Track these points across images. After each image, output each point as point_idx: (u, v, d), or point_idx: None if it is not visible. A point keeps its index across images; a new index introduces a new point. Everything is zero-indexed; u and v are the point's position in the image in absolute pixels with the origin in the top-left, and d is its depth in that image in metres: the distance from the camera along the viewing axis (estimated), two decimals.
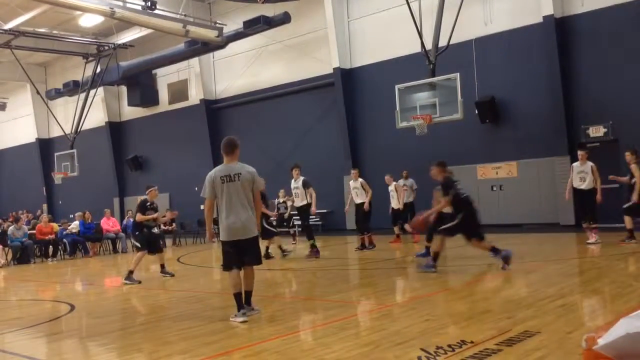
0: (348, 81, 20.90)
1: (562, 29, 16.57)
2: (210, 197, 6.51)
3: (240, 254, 6.46)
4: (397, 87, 15.12)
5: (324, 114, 21.84)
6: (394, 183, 15.17)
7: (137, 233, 10.87)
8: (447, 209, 9.33)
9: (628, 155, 11.75)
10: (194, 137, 25.70)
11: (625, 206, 11.78)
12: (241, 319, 6.34)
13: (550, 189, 16.69)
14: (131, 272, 10.35)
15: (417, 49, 15.94)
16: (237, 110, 24.59)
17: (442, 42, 15.25)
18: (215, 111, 25.36)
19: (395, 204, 15.08)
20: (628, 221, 11.73)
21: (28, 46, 23.97)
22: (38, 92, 25.45)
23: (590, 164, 12.04)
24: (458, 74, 14.29)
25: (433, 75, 14.95)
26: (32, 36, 23.08)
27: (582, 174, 12.02)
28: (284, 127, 22.89)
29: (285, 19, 20.43)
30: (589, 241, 11.98)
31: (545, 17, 16.61)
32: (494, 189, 17.79)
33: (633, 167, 11.51)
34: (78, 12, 22.33)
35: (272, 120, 23.22)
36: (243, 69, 24.20)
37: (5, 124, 34.69)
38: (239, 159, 6.64)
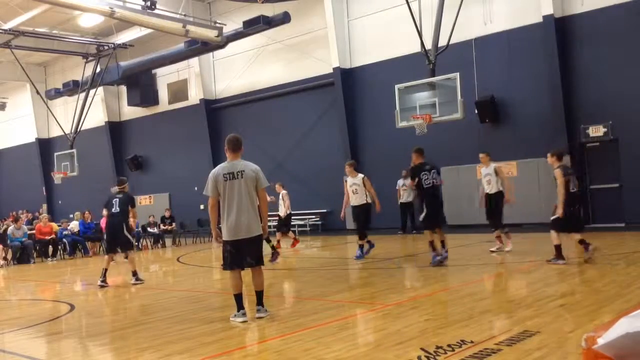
0: (348, 81, 20.88)
1: (562, 29, 16.56)
2: (213, 195, 6.44)
3: (242, 254, 6.41)
4: (397, 86, 15.11)
5: (324, 114, 21.82)
6: (283, 191, 15.12)
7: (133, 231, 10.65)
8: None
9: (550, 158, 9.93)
10: (193, 137, 25.69)
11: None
12: (241, 319, 6.33)
13: (550, 189, 16.52)
14: (135, 272, 10.37)
15: (417, 48, 15.92)
16: (237, 110, 24.57)
17: (442, 42, 15.23)
18: (215, 111, 25.35)
19: (282, 211, 15.10)
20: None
21: (28, 46, 23.94)
22: (38, 92, 25.40)
23: (493, 165, 11.45)
24: (458, 74, 14.27)
25: (433, 75, 14.93)
26: (32, 36, 23.05)
27: (488, 177, 11.44)
28: (284, 127, 22.88)
29: (285, 18, 20.41)
30: (507, 248, 11.30)
31: (545, 17, 16.59)
32: None
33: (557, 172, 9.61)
34: (78, 12, 22.31)
35: (272, 120, 23.21)
36: (243, 69, 24.19)
37: (5, 124, 34.65)
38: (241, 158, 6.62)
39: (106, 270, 10.21)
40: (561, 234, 9.37)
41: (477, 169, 18.04)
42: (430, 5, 15.69)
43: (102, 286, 10.00)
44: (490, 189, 11.41)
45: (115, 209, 10.37)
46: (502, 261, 10.50)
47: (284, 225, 15.37)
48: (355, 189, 12.00)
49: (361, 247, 12.12)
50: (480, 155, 11.83)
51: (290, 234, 15.69)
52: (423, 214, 10.31)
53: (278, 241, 15.38)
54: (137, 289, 9.79)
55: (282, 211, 15.08)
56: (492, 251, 11.44)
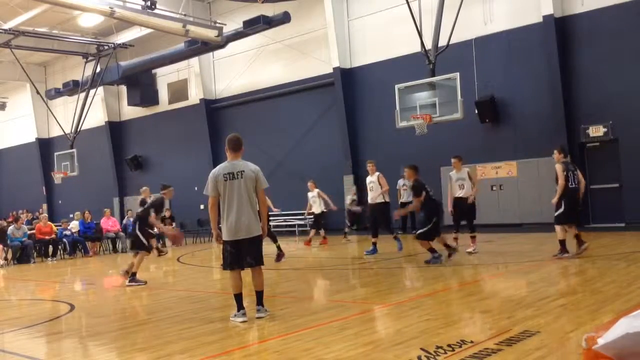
0: (348, 81, 20.88)
1: (562, 29, 16.57)
2: (213, 195, 6.45)
3: (242, 254, 6.41)
4: (397, 86, 15.11)
5: (324, 114, 21.82)
6: (317, 190, 15.51)
7: (146, 229, 10.25)
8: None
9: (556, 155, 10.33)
10: (193, 137, 25.69)
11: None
12: (241, 319, 6.33)
13: (550, 189, 16.52)
14: (134, 273, 10.19)
15: (417, 48, 15.91)
16: (237, 110, 24.57)
17: (442, 42, 15.23)
18: (215, 111, 25.35)
19: (316, 209, 15.51)
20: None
21: (28, 46, 23.94)
22: (38, 92, 25.40)
23: (466, 169, 11.61)
24: (458, 74, 14.27)
25: (433, 75, 14.93)
26: (32, 36, 23.04)
27: (460, 182, 11.52)
28: (284, 127, 22.88)
29: (285, 18, 20.42)
30: (470, 250, 11.39)
31: (545, 17, 16.59)
32: (494, 188, 17.78)
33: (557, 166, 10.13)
34: (78, 12, 22.31)
35: (272, 120, 23.21)
36: (243, 69, 24.19)
37: (5, 123, 34.67)
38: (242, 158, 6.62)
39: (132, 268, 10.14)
40: (565, 231, 9.88)
41: (478, 169, 18.08)
42: (430, 5, 15.69)
43: (130, 285, 9.89)
44: (465, 192, 11.50)
45: (139, 209, 10.71)
46: (467, 263, 10.49)
47: (317, 223, 15.89)
48: (372, 187, 12.30)
49: (374, 244, 12.28)
50: (453, 160, 11.80)
51: (311, 232, 16.01)
52: (424, 229, 10.23)
53: (310, 239, 15.79)
54: (138, 289, 9.77)
55: (316, 209, 15.47)
56: (470, 252, 11.39)
